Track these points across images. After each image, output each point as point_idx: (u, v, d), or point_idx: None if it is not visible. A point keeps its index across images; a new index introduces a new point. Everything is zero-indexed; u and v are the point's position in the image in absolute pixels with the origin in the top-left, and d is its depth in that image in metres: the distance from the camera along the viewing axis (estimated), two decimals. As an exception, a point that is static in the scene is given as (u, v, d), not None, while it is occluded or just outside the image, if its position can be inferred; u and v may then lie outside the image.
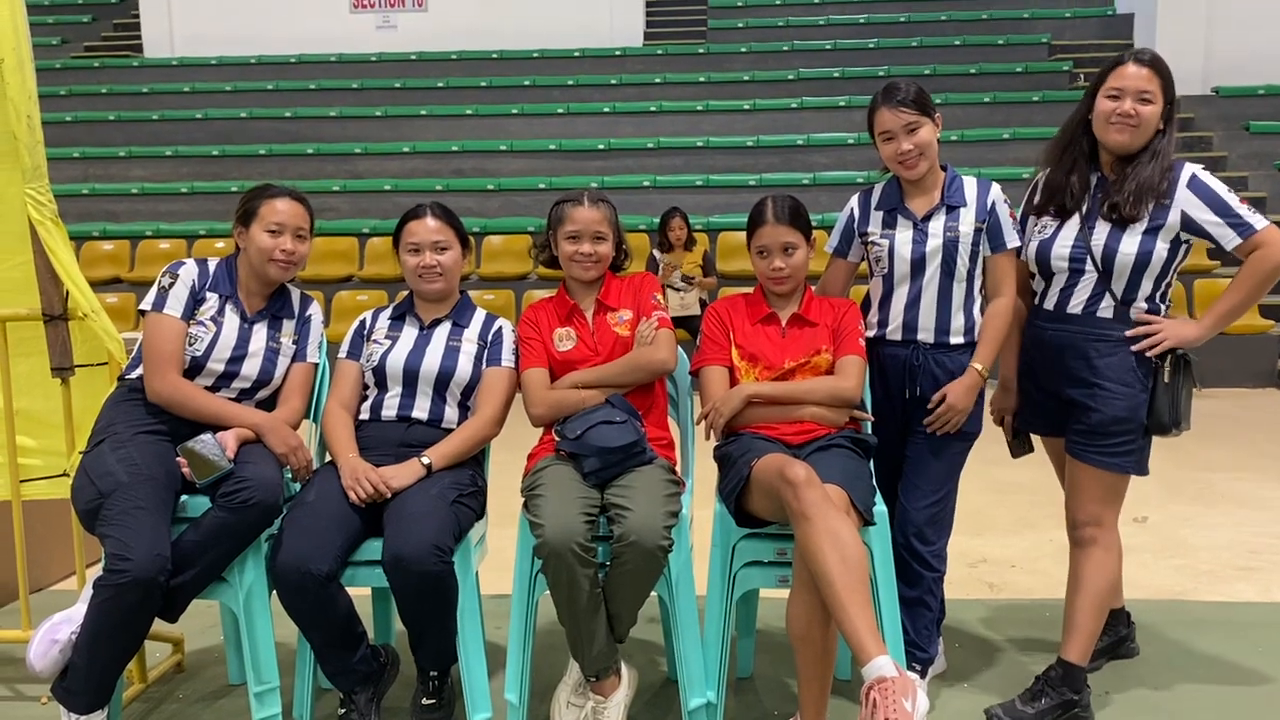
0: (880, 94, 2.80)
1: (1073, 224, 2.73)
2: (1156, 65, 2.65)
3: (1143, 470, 2.77)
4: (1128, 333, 2.69)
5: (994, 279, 2.86)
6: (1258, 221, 2.63)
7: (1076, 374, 2.74)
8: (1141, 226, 2.65)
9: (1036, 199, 2.83)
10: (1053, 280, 2.77)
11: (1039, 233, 2.79)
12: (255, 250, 2.80)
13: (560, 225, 2.90)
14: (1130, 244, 2.65)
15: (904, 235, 2.83)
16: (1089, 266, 2.70)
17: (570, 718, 2.69)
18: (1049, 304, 2.79)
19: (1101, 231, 2.68)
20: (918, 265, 2.82)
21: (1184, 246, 2.69)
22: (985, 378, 2.83)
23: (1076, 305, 2.73)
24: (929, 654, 2.92)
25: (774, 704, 2.93)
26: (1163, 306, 2.75)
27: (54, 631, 2.54)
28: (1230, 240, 2.64)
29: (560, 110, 11.44)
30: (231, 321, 2.81)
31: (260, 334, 2.84)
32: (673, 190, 9.91)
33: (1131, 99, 2.62)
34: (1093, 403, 2.71)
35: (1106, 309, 2.71)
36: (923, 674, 2.89)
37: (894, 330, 2.87)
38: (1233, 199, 2.64)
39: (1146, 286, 2.70)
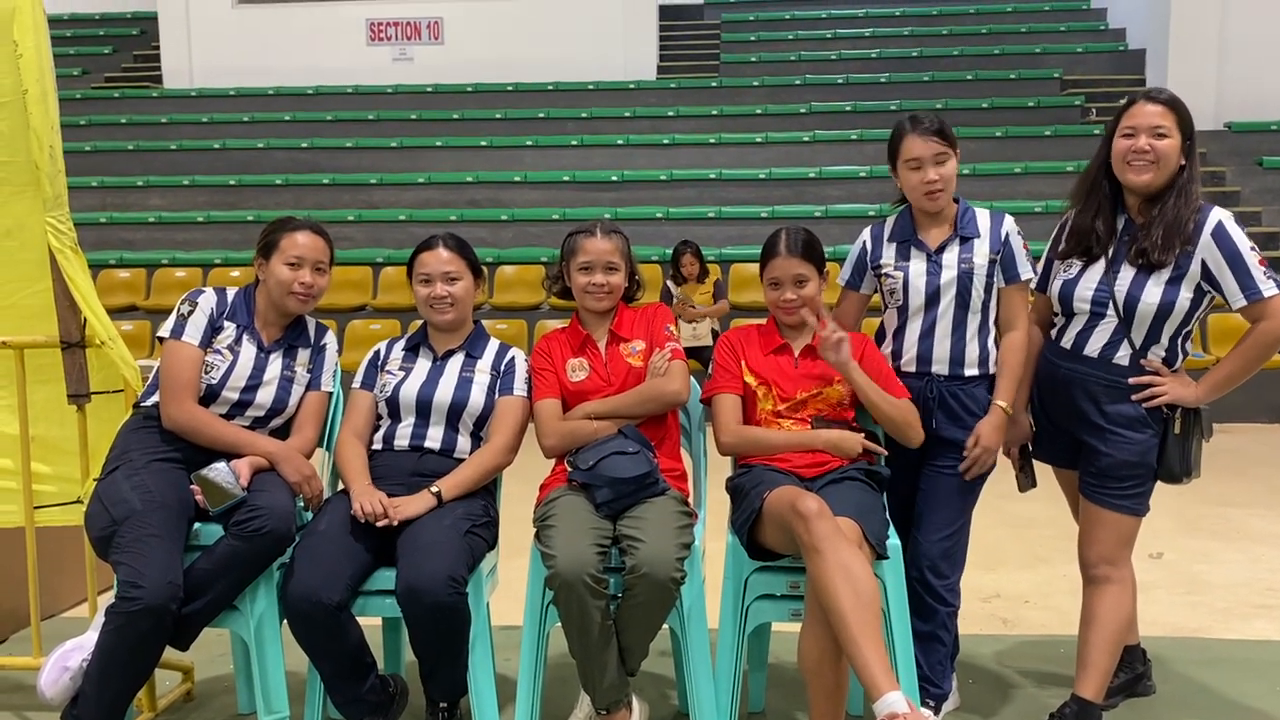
0: (908, 121, 2.81)
1: (1098, 267, 2.71)
2: (1170, 103, 2.62)
3: (1145, 509, 2.75)
4: (1131, 380, 2.67)
5: (1008, 311, 2.87)
6: (1268, 289, 2.57)
7: (1087, 416, 2.73)
8: (1166, 274, 2.61)
9: (1063, 243, 2.81)
10: (1073, 319, 2.76)
11: (1064, 271, 2.78)
12: (275, 283, 2.82)
13: (573, 256, 2.92)
14: (1154, 293, 2.62)
15: (918, 267, 2.83)
16: (1110, 311, 2.68)
17: (580, 751, 2.68)
18: (1065, 342, 2.77)
19: (1126, 276, 2.66)
20: (932, 297, 2.82)
21: (1208, 296, 2.66)
22: (1010, 414, 2.83)
23: (1094, 348, 2.71)
24: (943, 690, 2.89)
25: (785, 739, 2.91)
26: (1181, 355, 2.72)
27: (65, 659, 2.54)
28: (1237, 299, 2.59)
29: (574, 142, 11.52)
30: (248, 351, 2.82)
31: (276, 363, 2.85)
32: (685, 222, 9.94)
33: (1146, 135, 2.60)
34: (1103, 446, 2.70)
35: (1123, 356, 2.68)
36: (936, 710, 2.87)
37: (908, 362, 2.86)
38: (1252, 258, 2.58)
39: (1166, 334, 2.67)
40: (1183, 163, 2.63)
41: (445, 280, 2.90)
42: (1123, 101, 2.72)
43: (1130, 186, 2.68)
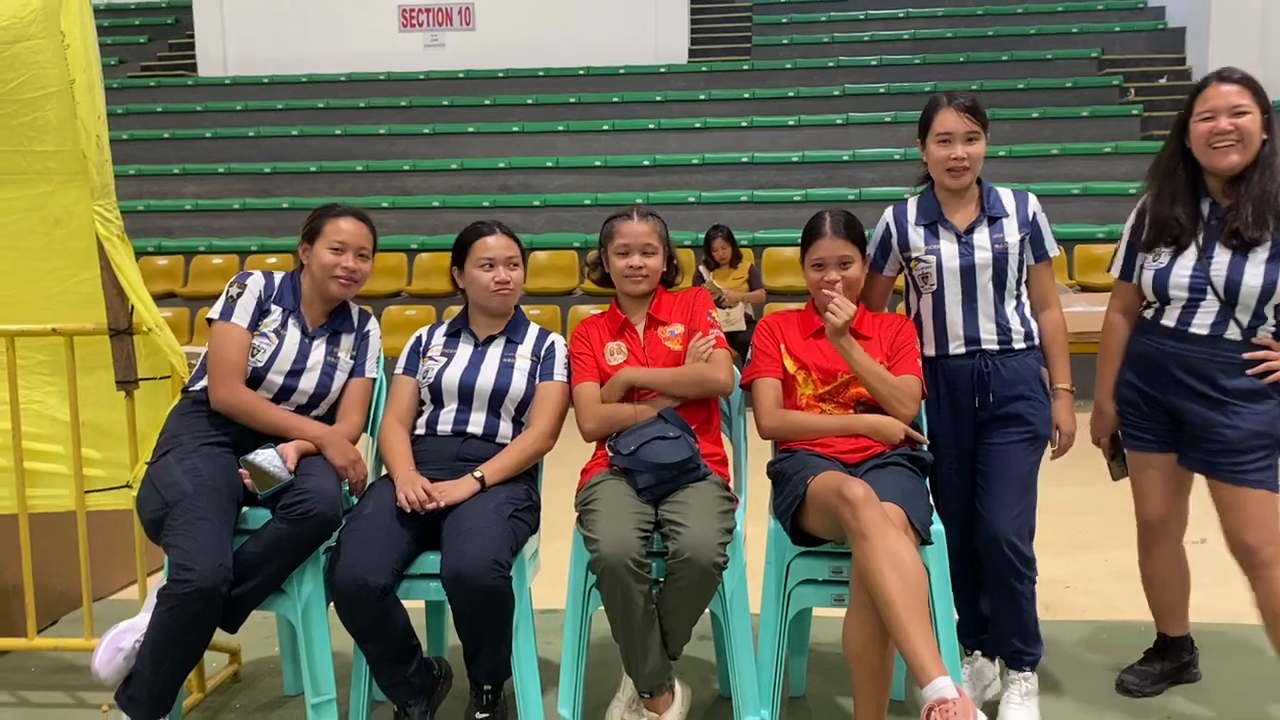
0: (944, 96, 2.81)
1: (1189, 254, 2.68)
2: (1245, 80, 2.60)
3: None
4: (1245, 355, 2.64)
5: (1040, 290, 2.89)
6: None
7: (1203, 393, 2.68)
8: (1264, 253, 2.59)
9: (1144, 235, 2.77)
10: (1170, 304, 2.73)
11: (1154, 262, 2.74)
12: (318, 267, 2.84)
13: (611, 240, 2.92)
14: (1255, 274, 2.59)
15: (949, 249, 2.82)
16: (1209, 295, 2.65)
17: (623, 734, 2.70)
18: (1167, 321, 2.73)
19: (1222, 260, 2.63)
20: (968, 278, 2.80)
21: None
22: (1073, 393, 2.87)
23: (1201, 326, 2.67)
24: (1036, 653, 2.89)
25: (827, 723, 2.91)
26: None
27: (119, 640, 2.58)
28: None
29: (606, 127, 11.51)
30: (293, 335, 2.85)
31: (320, 349, 2.88)
32: (718, 206, 9.92)
33: (1226, 116, 2.58)
34: (1227, 419, 2.66)
35: (1233, 332, 2.65)
36: (1033, 667, 2.88)
37: (956, 346, 2.85)
38: None
39: (1271, 314, 2.64)
40: (1264, 137, 2.60)
41: (508, 266, 2.92)
42: (1193, 87, 2.69)
43: (1216, 169, 2.64)
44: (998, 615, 2.88)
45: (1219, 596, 3.88)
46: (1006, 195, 2.88)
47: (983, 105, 2.81)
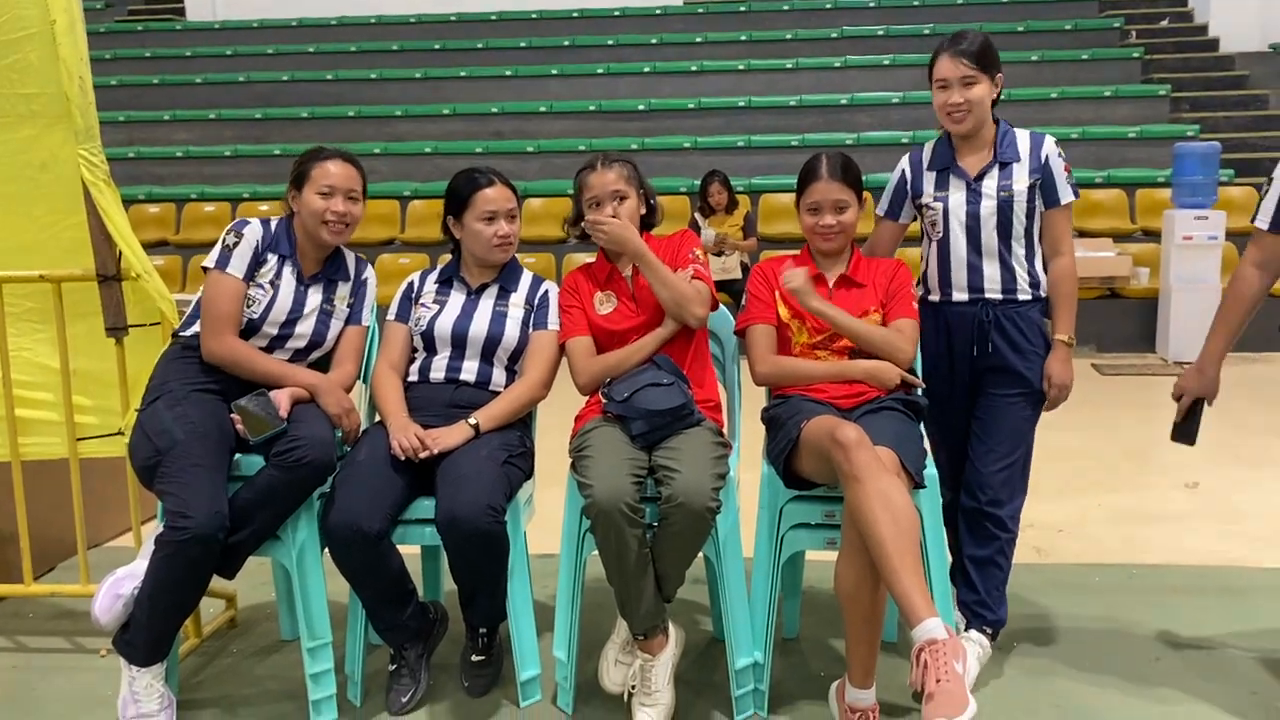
0: (947, 40, 2.76)
1: None
2: None
3: None
4: None
5: (1053, 236, 2.83)
6: None
7: None
8: None
9: None
10: None
11: None
12: (308, 213, 2.80)
13: (582, 194, 2.89)
14: None
15: (958, 196, 2.79)
16: None
17: (618, 675, 2.72)
18: None
19: None
20: (973, 227, 2.77)
21: None
22: (1073, 344, 2.82)
23: None
24: (998, 616, 2.89)
25: (820, 665, 2.94)
26: None
27: (117, 586, 2.58)
28: None
29: (600, 71, 11.35)
30: (288, 284, 2.81)
31: (315, 296, 2.85)
32: (714, 151, 9.81)
33: None
34: None
35: None
36: (993, 637, 2.88)
37: (961, 294, 2.83)
38: None
39: None
40: None
41: (508, 219, 2.88)
42: None
43: None
44: (972, 562, 2.88)
45: (1209, 539, 3.91)
46: (1023, 138, 2.82)
47: (991, 46, 2.73)
